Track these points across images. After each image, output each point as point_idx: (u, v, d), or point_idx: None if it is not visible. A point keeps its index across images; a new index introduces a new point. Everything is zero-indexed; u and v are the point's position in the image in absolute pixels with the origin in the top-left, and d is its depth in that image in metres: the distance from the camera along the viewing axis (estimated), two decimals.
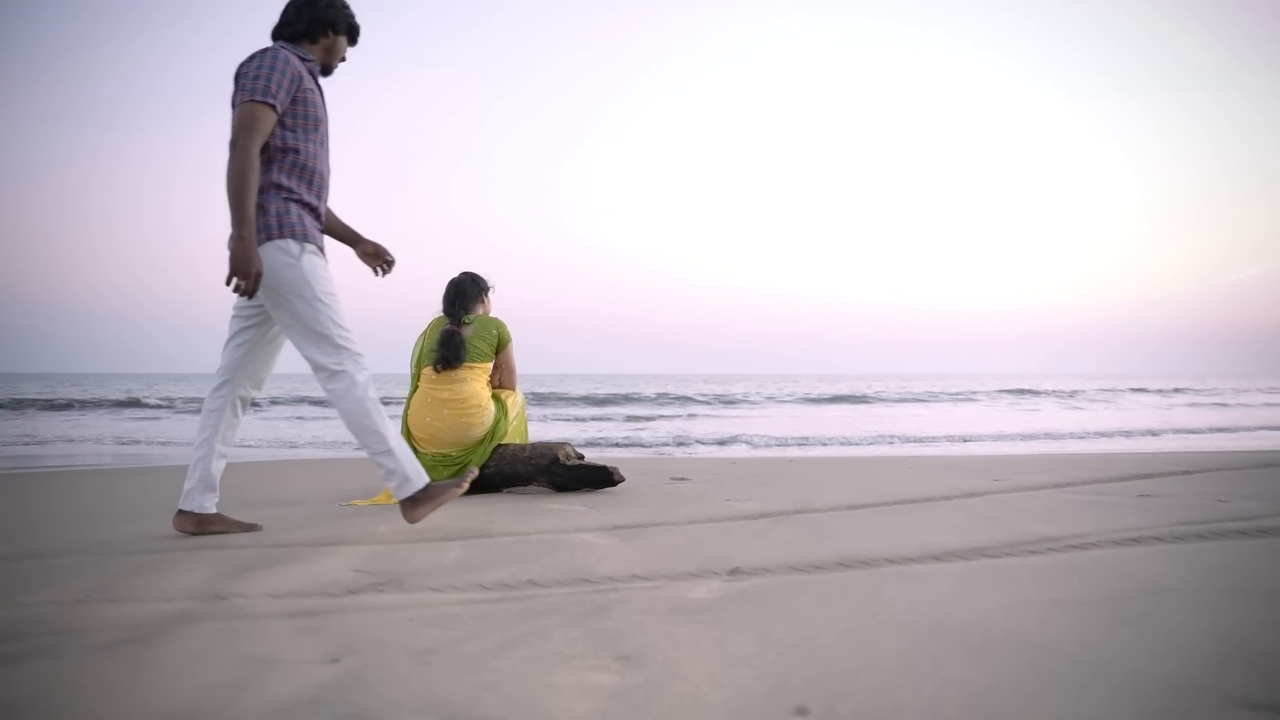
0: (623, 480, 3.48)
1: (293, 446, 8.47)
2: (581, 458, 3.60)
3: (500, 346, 3.68)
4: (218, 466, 2.55)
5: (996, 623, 1.36)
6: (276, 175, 2.41)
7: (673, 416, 15.02)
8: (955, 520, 2.41)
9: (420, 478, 2.48)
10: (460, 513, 2.91)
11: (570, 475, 3.47)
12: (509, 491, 3.57)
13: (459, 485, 2.54)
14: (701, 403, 19.91)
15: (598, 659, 1.27)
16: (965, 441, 8.85)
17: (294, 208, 2.42)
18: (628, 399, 20.55)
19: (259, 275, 2.26)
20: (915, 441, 8.81)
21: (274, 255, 2.34)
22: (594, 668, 1.23)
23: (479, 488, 3.59)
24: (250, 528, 2.60)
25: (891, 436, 9.39)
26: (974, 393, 24.83)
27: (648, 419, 14.18)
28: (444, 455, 3.54)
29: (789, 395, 24.03)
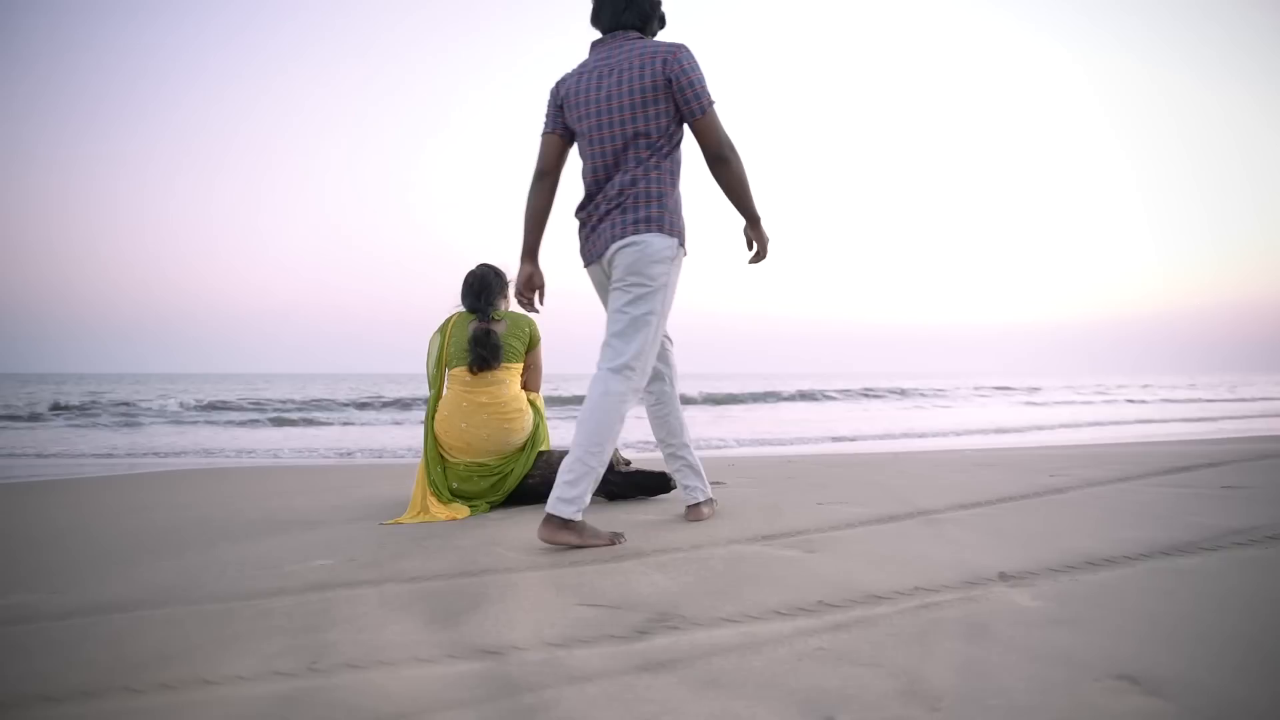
0: (677, 486, 3.31)
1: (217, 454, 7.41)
2: (629, 463, 3.40)
3: (531, 346, 3.40)
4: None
5: None
6: (677, 172, 2.45)
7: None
8: (1101, 516, 2.46)
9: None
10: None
11: (626, 482, 3.27)
12: None
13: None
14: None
15: (1099, 680, 1.17)
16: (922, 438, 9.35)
17: (681, 210, 2.46)
18: None
19: None
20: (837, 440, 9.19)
21: (665, 249, 2.36)
22: (1115, 691, 1.14)
23: (522, 499, 3.29)
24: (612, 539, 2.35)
25: (830, 436, 9.74)
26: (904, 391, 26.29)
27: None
28: (480, 465, 3.21)
29: None
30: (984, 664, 1.28)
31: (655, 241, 2.34)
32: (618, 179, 2.39)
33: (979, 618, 1.52)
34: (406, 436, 9.90)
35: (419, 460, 3.37)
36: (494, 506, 3.23)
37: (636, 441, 8.53)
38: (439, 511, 3.08)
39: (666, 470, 3.26)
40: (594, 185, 2.45)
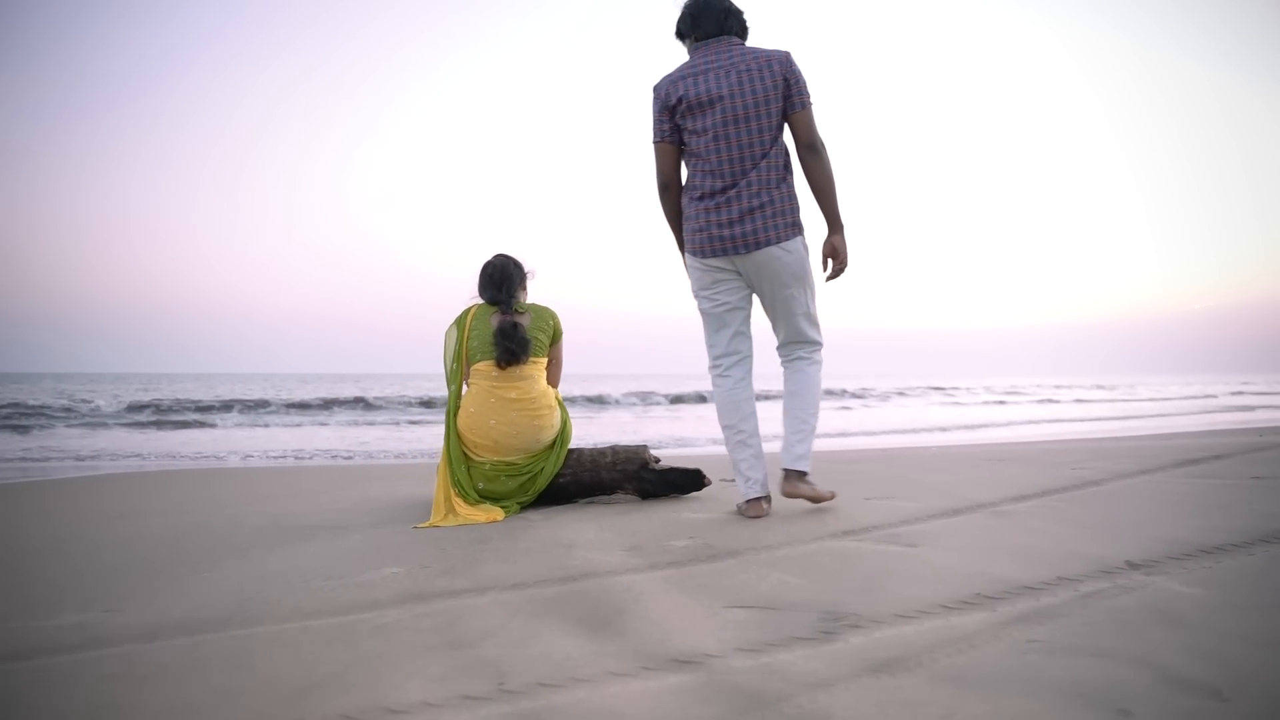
0: (710, 484, 3.24)
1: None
2: (659, 461, 3.30)
3: (554, 339, 3.26)
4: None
5: None
6: (791, 173, 2.60)
7: None
8: (1163, 507, 2.52)
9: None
10: (621, 529, 2.51)
11: (660, 481, 3.17)
12: (587, 502, 3.17)
13: (832, 495, 2.73)
14: None
15: None
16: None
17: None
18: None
19: None
20: None
21: (804, 249, 2.59)
22: None
23: (552, 499, 3.14)
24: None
25: None
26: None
27: None
28: (509, 464, 3.05)
29: None
30: (1214, 651, 1.27)
31: (800, 245, 2.58)
32: (753, 176, 2.53)
33: (1156, 605, 1.52)
34: (334, 437, 9.46)
35: (438, 460, 3.18)
36: (524, 507, 3.08)
37: (664, 440, 8.42)
38: (471, 514, 2.91)
39: (697, 466, 3.20)
40: (719, 180, 2.56)
